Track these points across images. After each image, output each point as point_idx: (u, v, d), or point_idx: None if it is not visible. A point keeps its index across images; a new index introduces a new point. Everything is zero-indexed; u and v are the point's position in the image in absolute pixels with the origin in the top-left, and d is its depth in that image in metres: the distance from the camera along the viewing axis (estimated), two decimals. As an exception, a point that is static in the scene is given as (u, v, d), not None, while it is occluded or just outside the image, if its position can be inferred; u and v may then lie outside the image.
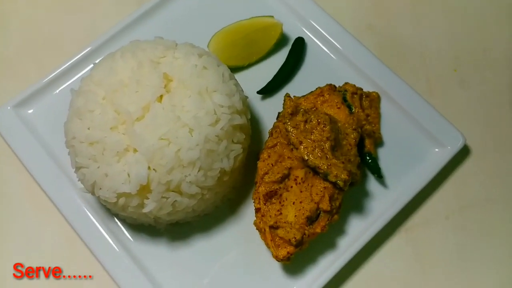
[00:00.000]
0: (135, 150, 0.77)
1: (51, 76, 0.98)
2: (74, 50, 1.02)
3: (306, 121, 0.86)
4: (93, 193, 0.82)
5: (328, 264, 0.86)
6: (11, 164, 0.96)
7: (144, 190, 0.77)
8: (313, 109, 0.91)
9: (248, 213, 0.91)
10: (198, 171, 0.78)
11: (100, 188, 0.79)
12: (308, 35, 1.03)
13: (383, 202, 0.91)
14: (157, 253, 0.88)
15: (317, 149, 0.83)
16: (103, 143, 0.77)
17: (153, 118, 0.77)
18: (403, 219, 0.93)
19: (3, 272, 0.89)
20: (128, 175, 0.77)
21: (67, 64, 0.99)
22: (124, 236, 0.89)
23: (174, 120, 0.77)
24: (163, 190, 0.77)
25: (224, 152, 0.81)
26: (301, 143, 0.84)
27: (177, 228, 0.90)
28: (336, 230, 0.89)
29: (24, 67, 1.06)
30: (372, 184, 0.93)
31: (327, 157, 0.83)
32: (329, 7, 1.05)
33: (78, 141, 0.80)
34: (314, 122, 0.85)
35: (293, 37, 1.03)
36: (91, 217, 0.89)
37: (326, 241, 0.88)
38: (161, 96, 0.79)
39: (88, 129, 0.79)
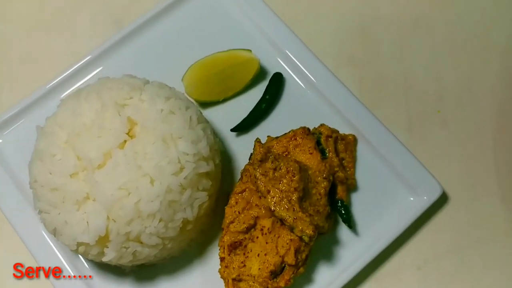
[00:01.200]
0: (94, 199, 0.75)
1: (21, 105, 0.97)
2: (47, 73, 1.00)
3: (275, 169, 0.84)
4: (55, 236, 0.81)
5: (293, 315, 0.84)
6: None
7: (103, 240, 0.76)
8: (284, 153, 0.89)
9: (215, 258, 0.88)
10: (159, 222, 0.76)
11: (61, 235, 0.78)
12: (286, 70, 1.00)
13: (353, 251, 0.89)
14: (121, 293, 0.88)
15: (284, 199, 0.81)
16: (63, 190, 0.75)
17: (114, 167, 0.75)
18: (373, 268, 0.90)
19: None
20: (88, 224, 0.75)
21: (38, 94, 0.97)
22: (88, 274, 0.88)
23: (135, 170, 0.75)
24: (122, 240, 0.76)
25: (188, 202, 0.79)
26: (268, 192, 0.82)
27: (143, 269, 0.88)
28: (303, 279, 0.87)
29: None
30: (343, 231, 0.91)
31: (294, 209, 0.81)
32: (310, 35, 1.02)
33: (39, 185, 0.78)
34: (283, 170, 0.83)
35: (271, 71, 1.00)
36: (56, 252, 0.88)
37: (292, 289, 0.87)
38: (124, 142, 0.77)
39: (50, 173, 0.77)
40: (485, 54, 1.04)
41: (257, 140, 0.87)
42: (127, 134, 0.78)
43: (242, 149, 0.96)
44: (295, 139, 0.90)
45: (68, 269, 0.87)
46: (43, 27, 1.09)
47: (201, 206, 0.81)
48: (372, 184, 0.93)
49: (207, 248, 0.90)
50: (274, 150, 0.89)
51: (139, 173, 0.75)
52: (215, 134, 0.92)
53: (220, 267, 0.83)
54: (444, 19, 1.07)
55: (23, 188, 0.92)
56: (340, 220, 0.91)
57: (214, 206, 0.89)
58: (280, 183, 0.82)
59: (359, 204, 0.92)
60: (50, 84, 0.98)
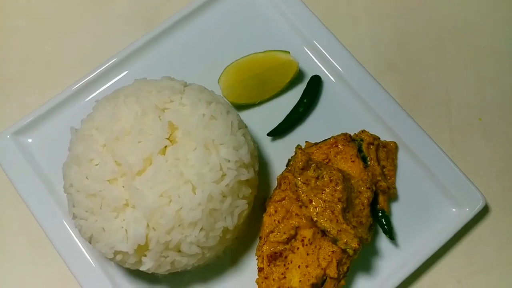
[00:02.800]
0: (134, 206, 0.72)
1: (51, 104, 0.94)
2: (76, 72, 0.97)
3: (317, 178, 0.81)
4: (90, 243, 0.78)
5: (331, 327, 0.82)
6: (8, 193, 0.93)
7: (142, 248, 0.73)
8: (325, 160, 0.86)
9: (250, 266, 0.87)
10: (200, 231, 0.73)
11: (97, 242, 0.75)
12: (325, 73, 0.97)
13: (393, 263, 0.86)
14: (154, 301, 0.85)
15: (327, 210, 0.78)
16: (101, 196, 0.73)
17: (155, 173, 0.72)
18: (412, 280, 0.88)
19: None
20: (126, 232, 0.73)
21: (69, 92, 0.94)
22: (121, 280, 0.86)
23: (177, 176, 0.72)
24: (162, 249, 0.73)
25: (228, 210, 0.76)
26: (310, 201, 0.79)
27: (176, 276, 0.86)
28: (341, 289, 0.85)
29: (24, 90, 1.01)
30: (383, 242, 0.88)
31: (337, 220, 0.78)
32: (350, 41, 0.98)
33: (75, 190, 0.75)
34: (326, 179, 0.80)
35: (309, 73, 0.97)
36: (88, 257, 0.86)
37: (330, 301, 0.84)
38: (165, 147, 0.74)
39: (87, 178, 0.74)
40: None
41: (298, 147, 0.84)
42: (168, 139, 0.75)
43: (277, 154, 0.93)
44: (336, 146, 0.87)
45: (100, 275, 0.85)
46: (72, 27, 1.05)
47: (241, 214, 0.79)
48: (413, 194, 0.90)
49: (241, 255, 0.88)
50: (315, 157, 0.86)
51: (180, 180, 0.72)
52: (253, 139, 0.88)
53: (258, 277, 0.80)
54: (487, 29, 1.03)
55: (53, 190, 0.90)
56: (380, 230, 0.88)
57: (250, 212, 0.86)
58: (322, 193, 0.80)
59: (399, 214, 0.89)
60: (81, 83, 0.95)
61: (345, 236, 0.77)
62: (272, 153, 0.94)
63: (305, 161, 0.82)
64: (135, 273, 0.86)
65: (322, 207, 0.79)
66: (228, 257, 0.87)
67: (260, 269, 0.80)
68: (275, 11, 0.99)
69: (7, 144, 0.91)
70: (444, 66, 1.01)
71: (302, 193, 0.80)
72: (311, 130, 0.94)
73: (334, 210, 0.78)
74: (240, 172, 0.77)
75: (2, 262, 0.90)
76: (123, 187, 0.73)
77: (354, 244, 0.76)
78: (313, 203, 0.79)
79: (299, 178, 0.81)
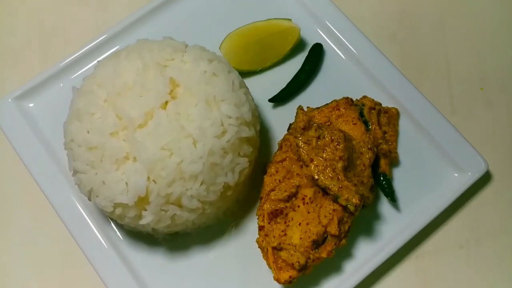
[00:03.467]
0: (135, 159, 0.72)
1: (54, 70, 0.94)
2: (80, 43, 0.97)
3: (318, 137, 0.80)
4: (89, 199, 0.78)
5: (332, 289, 0.81)
6: (9, 157, 0.93)
7: (142, 201, 0.73)
8: (327, 123, 0.86)
9: (251, 228, 0.86)
10: (200, 185, 0.73)
11: (97, 196, 0.75)
12: (326, 41, 0.97)
13: (394, 227, 0.86)
14: (153, 262, 0.85)
15: (328, 168, 0.78)
16: (102, 149, 0.73)
17: (156, 126, 0.72)
18: (414, 245, 0.87)
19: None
20: (126, 184, 0.72)
21: (71, 58, 0.95)
22: (120, 242, 0.86)
23: (178, 130, 0.72)
24: (162, 202, 0.73)
25: (229, 166, 0.76)
26: (312, 160, 0.79)
27: (176, 239, 0.86)
28: (343, 253, 0.84)
29: (28, 58, 1.02)
30: (385, 206, 0.88)
31: (338, 178, 0.78)
32: (350, 13, 0.99)
33: (76, 145, 0.75)
34: (327, 139, 0.80)
35: (310, 42, 0.97)
36: (87, 219, 0.86)
37: (331, 264, 0.83)
38: (166, 102, 0.75)
39: (88, 132, 0.74)
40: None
41: (300, 108, 0.84)
42: (169, 95, 0.75)
43: (279, 120, 0.93)
44: (338, 109, 0.87)
45: (99, 237, 0.84)
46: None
47: (242, 172, 0.78)
48: (414, 159, 0.90)
49: (242, 218, 0.87)
50: (316, 120, 0.86)
51: (181, 134, 0.72)
52: (255, 102, 0.89)
53: (258, 236, 0.80)
54: (487, 1, 1.04)
55: (53, 152, 0.90)
56: (382, 195, 0.88)
57: (251, 175, 0.86)
58: (324, 152, 0.79)
59: (401, 179, 0.89)
60: (83, 50, 0.95)
61: (346, 193, 0.76)
62: (273, 120, 0.94)
63: (306, 121, 0.82)
64: (135, 236, 0.86)
65: (323, 165, 0.78)
66: (228, 219, 0.87)
67: (261, 228, 0.80)
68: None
69: (9, 108, 0.91)
70: (444, 37, 1.01)
71: (303, 152, 0.80)
72: (312, 97, 0.94)
73: (335, 168, 0.78)
74: (241, 129, 0.77)
75: (2, 224, 0.90)
76: (124, 140, 0.73)
77: (355, 200, 0.76)
78: (314, 161, 0.79)
79: (300, 138, 0.81)
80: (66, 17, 1.05)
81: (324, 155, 0.79)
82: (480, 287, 0.85)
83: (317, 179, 0.78)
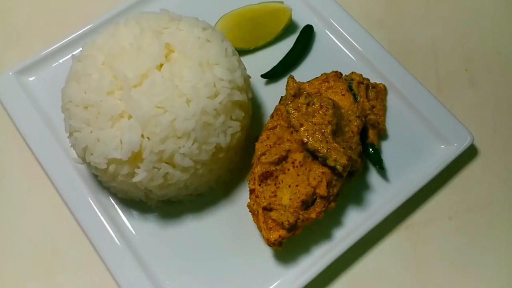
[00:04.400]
0: (129, 117, 0.75)
1: (54, 46, 0.98)
2: (80, 23, 1.01)
3: (308, 104, 0.83)
4: (84, 160, 0.80)
5: (322, 254, 0.82)
6: (7, 130, 0.95)
7: (135, 158, 0.75)
8: (317, 94, 0.88)
9: (242, 197, 0.88)
10: (193, 143, 0.75)
11: (91, 154, 0.76)
12: (317, 24, 1.02)
13: (383, 196, 0.87)
14: (146, 229, 0.85)
15: (317, 132, 0.80)
16: (98, 106, 0.75)
17: (151, 86, 0.75)
18: (404, 216, 0.89)
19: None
20: (121, 141, 0.74)
21: (72, 36, 0.99)
22: (113, 210, 0.87)
23: (172, 89, 0.75)
24: (155, 159, 0.75)
25: (221, 128, 0.78)
26: (301, 125, 0.81)
27: (168, 206, 0.87)
28: (332, 221, 0.85)
29: (31, 37, 1.06)
30: (374, 177, 0.90)
31: (327, 141, 0.80)
32: (340, 1, 1.04)
33: (73, 105, 0.78)
34: (316, 105, 0.83)
35: (301, 24, 1.02)
36: (82, 188, 0.87)
37: (321, 231, 0.84)
38: (161, 65, 0.78)
39: (85, 92, 0.77)
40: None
41: (291, 77, 0.87)
42: (165, 58, 0.78)
43: (271, 96, 0.96)
44: (327, 81, 0.90)
45: (92, 205, 0.85)
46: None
47: (234, 135, 0.81)
48: (402, 133, 0.93)
49: (234, 187, 0.89)
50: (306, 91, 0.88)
51: (175, 93, 0.75)
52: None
53: (249, 200, 0.81)
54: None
55: (52, 125, 0.92)
56: (371, 166, 0.90)
57: (243, 146, 0.88)
58: (313, 117, 0.82)
59: (389, 151, 0.91)
60: (85, 28, 0.99)
61: (334, 154, 0.78)
62: (265, 96, 0.97)
63: (297, 88, 0.85)
64: (128, 203, 0.87)
65: (313, 129, 0.81)
66: (221, 188, 0.88)
67: (252, 191, 0.81)
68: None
69: (9, 81, 0.94)
70: (429, 21, 1.07)
71: (293, 118, 0.82)
72: (303, 74, 0.96)
73: (324, 132, 0.81)
74: (234, 93, 0.80)
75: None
76: (120, 99, 0.76)
77: (343, 160, 0.78)
78: (304, 126, 0.81)
79: (290, 105, 0.84)
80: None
81: (314, 120, 0.82)
82: (469, 256, 0.86)
83: (307, 142, 0.80)
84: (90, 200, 0.86)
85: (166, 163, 0.76)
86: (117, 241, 0.83)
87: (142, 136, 0.74)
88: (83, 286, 0.84)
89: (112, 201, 0.88)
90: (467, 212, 0.90)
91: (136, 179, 0.76)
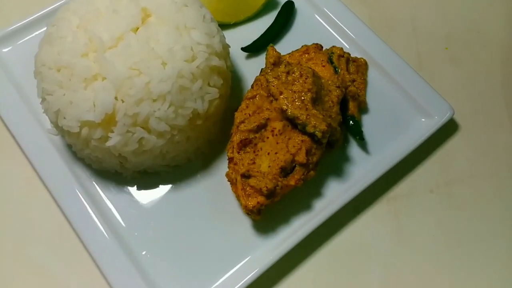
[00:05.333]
0: (103, 79, 0.73)
1: (30, 18, 0.96)
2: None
3: (288, 73, 0.82)
4: (57, 126, 0.77)
5: (301, 225, 0.80)
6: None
7: (109, 121, 0.73)
8: (297, 64, 0.87)
9: (221, 168, 0.86)
10: (169, 106, 0.73)
11: (64, 117, 0.74)
12: (298, 0, 1.01)
13: (364, 168, 0.86)
14: (121, 201, 0.83)
15: (297, 100, 0.79)
16: (71, 68, 0.73)
17: (126, 47, 0.73)
18: (386, 189, 0.88)
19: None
20: (94, 104, 0.72)
21: (48, 9, 0.96)
22: (88, 181, 0.84)
23: (147, 51, 0.73)
24: (129, 123, 0.73)
25: (199, 93, 0.76)
26: (281, 93, 0.80)
27: (145, 178, 0.84)
28: (312, 192, 0.84)
29: (8, 10, 1.03)
30: (354, 149, 0.89)
31: (306, 108, 0.79)
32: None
33: (46, 68, 0.76)
34: (296, 74, 0.82)
35: (282, 1, 1.01)
36: (56, 158, 0.84)
37: (301, 203, 0.83)
38: (137, 28, 0.76)
39: (58, 55, 0.75)
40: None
41: (271, 45, 0.86)
42: (141, 22, 0.76)
43: (251, 70, 0.94)
44: (308, 53, 0.89)
45: (69, 176, 0.82)
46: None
47: (212, 102, 0.79)
48: (383, 107, 0.92)
49: (212, 159, 0.87)
50: (286, 61, 0.87)
51: (151, 55, 0.73)
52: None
53: (228, 169, 0.79)
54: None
55: (25, 96, 0.89)
56: (351, 139, 0.89)
57: (222, 118, 0.87)
58: (293, 86, 0.81)
59: (370, 126, 0.90)
60: (60, 2, 0.97)
61: (313, 120, 0.77)
62: (246, 70, 0.96)
63: (276, 57, 0.84)
64: (103, 174, 0.84)
65: (292, 97, 0.79)
66: (199, 160, 0.86)
67: (230, 160, 0.79)
68: None
69: (-18, 52, 0.92)
70: (411, 1, 1.07)
71: (273, 86, 0.81)
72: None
73: (304, 99, 0.79)
74: (212, 58, 0.78)
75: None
76: (94, 62, 0.73)
77: (322, 127, 0.76)
78: (284, 94, 0.80)
79: (270, 73, 0.82)
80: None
81: (293, 88, 0.80)
82: (451, 229, 0.85)
83: (286, 109, 0.79)
84: (65, 169, 0.83)
85: (141, 127, 0.74)
86: (92, 213, 0.80)
87: (116, 98, 0.72)
88: (55, 259, 0.80)
89: (87, 173, 0.85)
90: (448, 185, 0.89)
91: (109, 143, 0.73)
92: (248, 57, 0.97)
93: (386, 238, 0.84)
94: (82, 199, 0.81)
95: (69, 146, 0.85)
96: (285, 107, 0.79)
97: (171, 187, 0.84)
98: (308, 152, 0.78)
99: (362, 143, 0.88)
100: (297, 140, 0.78)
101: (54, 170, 0.83)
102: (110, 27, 0.75)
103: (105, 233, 0.78)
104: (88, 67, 0.72)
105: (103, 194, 0.83)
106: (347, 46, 0.97)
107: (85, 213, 0.80)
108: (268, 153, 0.78)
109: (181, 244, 0.80)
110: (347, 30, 0.97)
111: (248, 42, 0.97)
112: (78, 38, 0.75)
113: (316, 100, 0.81)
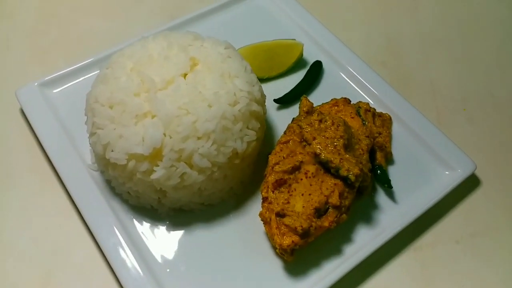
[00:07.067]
0: (153, 116, 0.78)
1: (80, 64, 1.03)
2: (104, 47, 1.09)
3: (320, 121, 0.88)
4: (101, 159, 0.82)
5: (332, 269, 0.81)
6: (24, 135, 0.98)
7: (156, 155, 0.77)
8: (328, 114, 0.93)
9: (253, 209, 0.88)
10: (212, 144, 0.78)
11: (112, 150, 0.78)
12: (326, 61, 1.10)
13: (392, 216, 0.89)
14: (156, 237, 0.84)
15: (330, 145, 0.84)
16: (123, 105, 0.79)
17: (175, 90, 0.79)
18: (412, 238, 0.89)
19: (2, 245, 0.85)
20: (143, 138, 0.77)
21: (97, 57, 1.05)
22: (124, 216, 0.86)
23: (195, 94, 0.79)
24: (174, 158, 0.77)
25: (239, 134, 0.81)
26: (314, 139, 0.85)
27: (179, 215, 0.87)
28: (343, 237, 0.86)
29: (56, 57, 1.12)
30: (382, 198, 0.92)
31: (339, 153, 0.83)
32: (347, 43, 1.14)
33: (99, 104, 0.81)
34: (328, 122, 0.87)
35: (311, 60, 1.10)
36: (96, 192, 0.86)
37: (332, 247, 0.84)
38: (185, 74, 0.83)
39: (111, 93, 0.81)
40: (501, 61, 1.18)
41: (304, 96, 0.92)
42: (189, 69, 0.84)
43: (282, 121, 1.00)
44: (337, 105, 0.95)
45: (107, 209, 0.85)
46: (101, 8, 1.23)
47: (250, 144, 0.84)
48: (407, 159, 0.96)
49: (245, 199, 0.90)
50: (318, 112, 0.93)
51: (198, 97, 0.79)
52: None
53: (261, 209, 0.82)
54: (461, 37, 1.22)
55: (71, 135, 0.94)
56: (379, 188, 0.92)
57: (256, 160, 0.91)
58: (325, 132, 0.86)
59: (396, 176, 0.93)
60: (112, 50, 1.05)
61: (347, 164, 0.81)
62: (276, 119, 1.02)
63: (310, 106, 0.90)
64: (139, 210, 0.87)
65: (325, 143, 0.84)
66: (232, 200, 0.89)
67: (264, 199, 0.82)
68: (282, 14, 1.17)
69: (33, 91, 0.98)
70: (427, 66, 1.16)
71: (306, 132, 0.86)
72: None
73: (336, 145, 0.84)
74: (252, 104, 0.84)
75: (11, 197, 0.91)
76: (145, 101, 0.79)
77: (356, 170, 0.80)
78: (317, 139, 0.85)
79: (303, 121, 0.88)
80: (92, 24, 1.18)
81: (326, 134, 0.85)
82: (476, 278, 0.85)
83: (320, 153, 0.83)
84: (102, 204, 0.85)
85: (184, 162, 0.78)
86: (126, 245, 0.81)
87: (164, 134, 0.77)
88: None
89: (123, 207, 0.87)
90: (473, 236, 0.91)
91: (154, 176, 0.77)
92: (279, 108, 1.03)
93: (413, 287, 0.84)
94: (117, 233, 0.82)
95: (108, 182, 0.88)
96: (318, 151, 0.83)
97: (204, 225, 0.86)
98: (341, 195, 0.81)
99: (390, 192, 0.91)
100: (330, 183, 0.82)
101: (92, 203, 0.85)
102: (161, 71, 0.82)
103: (138, 267, 0.79)
104: (139, 104, 0.78)
105: (139, 229, 0.85)
106: (372, 102, 1.04)
107: (121, 246, 0.81)
108: (302, 194, 0.81)
109: (212, 283, 0.80)
110: (371, 88, 1.04)
111: (279, 95, 1.04)
112: (131, 79, 0.81)
113: (347, 147, 0.86)
